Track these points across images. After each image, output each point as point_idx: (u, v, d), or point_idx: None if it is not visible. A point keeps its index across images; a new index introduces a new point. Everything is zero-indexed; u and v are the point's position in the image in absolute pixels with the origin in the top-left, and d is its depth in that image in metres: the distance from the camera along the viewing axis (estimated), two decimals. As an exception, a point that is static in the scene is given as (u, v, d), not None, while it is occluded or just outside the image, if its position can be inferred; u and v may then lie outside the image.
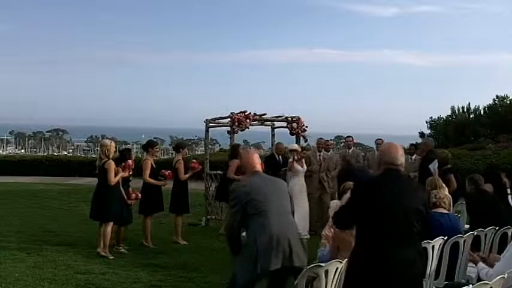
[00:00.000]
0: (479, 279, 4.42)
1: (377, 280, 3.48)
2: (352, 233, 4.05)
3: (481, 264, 4.24)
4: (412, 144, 11.89)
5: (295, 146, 10.23)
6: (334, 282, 4.04)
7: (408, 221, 3.53)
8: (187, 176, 8.94)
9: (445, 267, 4.94)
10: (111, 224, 7.70)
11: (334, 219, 4.12)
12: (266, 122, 11.86)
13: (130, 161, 8.11)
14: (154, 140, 10.47)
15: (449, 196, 6.94)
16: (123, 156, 8.25)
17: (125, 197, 8.04)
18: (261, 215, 4.34)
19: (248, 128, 10.84)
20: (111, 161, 7.68)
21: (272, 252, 4.23)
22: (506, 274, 3.55)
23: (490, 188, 6.85)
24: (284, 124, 11.62)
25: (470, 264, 5.06)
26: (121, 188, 7.98)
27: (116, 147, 8.17)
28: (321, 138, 10.69)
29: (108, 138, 11.38)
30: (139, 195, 8.29)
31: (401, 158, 3.69)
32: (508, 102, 30.62)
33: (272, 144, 12.03)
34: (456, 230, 5.36)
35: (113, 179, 7.62)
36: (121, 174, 7.82)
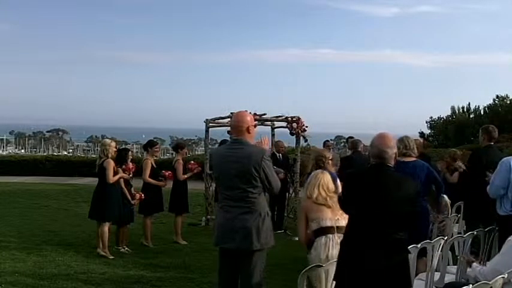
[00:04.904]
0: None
1: (351, 274, 3.50)
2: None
3: (474, 264, 4.24)
4: None
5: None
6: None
7: (387, 221, 3.47)
8: (186, 176, 8.95)
9: (445, 267, 4.94)
10: (107, 223, 7.69)
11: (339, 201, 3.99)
12: (266, 122, 11.84)
13: (131, 164, 8.12)
14: (155, 140, 10.48)
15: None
16: (121, 155, 8.24)
17: (129, 197, 8.06)
18: (221, 194, 4.40)
19: (248, 127, 10.81)
20: (110, 159, 7.69)
21: (221, 233, 4.32)
22: (506, 274, 3.54)
23: None
24: (284, 124, 11.60)
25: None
26: (124, 189, 7.99)
27: (116, 147, 8.18)
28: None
29: (108, 138, 11.38)
30: (143, 195, 8.30)
31: (389, 150, 3.54)
32: (508, 102, 30.72)
33: (272, 144, 12.02)
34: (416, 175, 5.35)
35: (111, 178, 7.62)
36: (120, 174, 7.83)
